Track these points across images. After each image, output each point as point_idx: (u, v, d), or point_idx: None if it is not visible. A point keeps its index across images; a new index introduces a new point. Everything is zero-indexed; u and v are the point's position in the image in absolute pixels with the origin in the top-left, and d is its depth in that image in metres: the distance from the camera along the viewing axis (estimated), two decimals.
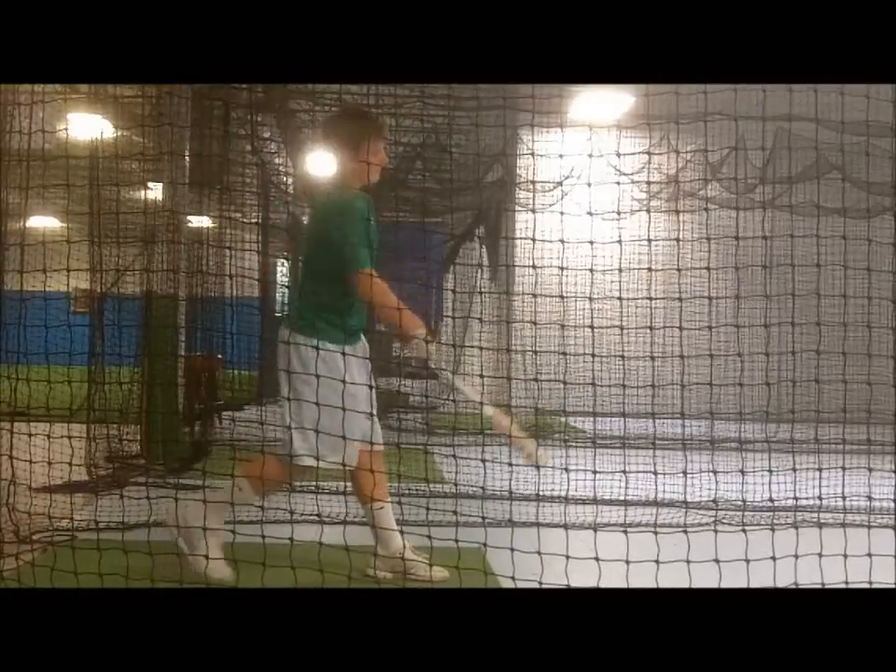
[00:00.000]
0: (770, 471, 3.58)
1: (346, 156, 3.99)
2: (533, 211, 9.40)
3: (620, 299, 3.84)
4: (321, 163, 4.21)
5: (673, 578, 3.11)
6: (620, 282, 3.75)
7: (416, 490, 4.85)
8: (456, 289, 12.67)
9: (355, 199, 3.95)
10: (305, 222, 8.19)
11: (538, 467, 3.78)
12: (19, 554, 4.01)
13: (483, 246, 12.33)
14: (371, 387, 4.03)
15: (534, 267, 4.14)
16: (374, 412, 4.09)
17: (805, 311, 4.16)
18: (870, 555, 3.15)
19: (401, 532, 4.10)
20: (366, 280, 3.83)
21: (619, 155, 4.93)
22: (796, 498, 4.56)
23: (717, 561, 3.14)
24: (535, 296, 4.21)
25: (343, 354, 3.79)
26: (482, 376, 3.97)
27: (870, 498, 3.79)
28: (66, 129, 5.12)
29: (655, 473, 3.56)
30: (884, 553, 3.18)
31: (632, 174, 9.35)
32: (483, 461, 3.57)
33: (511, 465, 3.50)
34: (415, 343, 3.90)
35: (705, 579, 3.12)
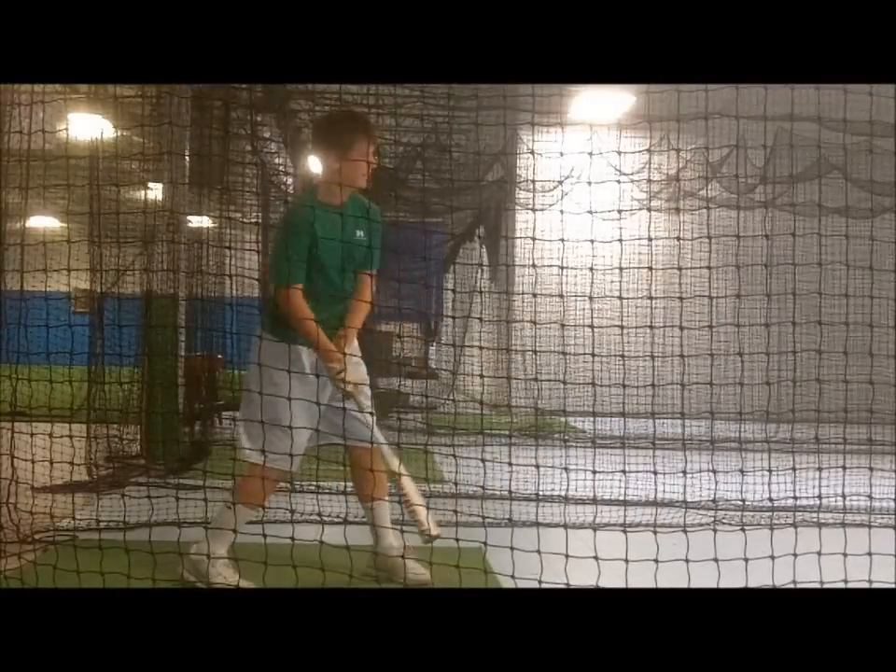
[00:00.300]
0: (770, 471, 3.58)
1: (333, 160, 3.92)
2: (533, 210, 9.39)
3: (620, 298, 3.84)
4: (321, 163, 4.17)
5: (672, 577, 3.11)
6: (620, 281, 3.74)
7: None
8: (456, 289, 12.67)
9: (301, 211, 3.92)
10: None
11: (429, 538, 3.74)
12: (21, 554, 4.02)
13: (483, 246, 12.33)
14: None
15: (534, 266, 4.14)
16: (373, 410, 4.09)
17: (805, 310, 4.14)
18: (870, 554, 3.14)
19: (402, 532, 4.10)
20: (285, 296, 3.82)
21: (619, 154, 4.92)
22: (796, 498, 4.56)
23: (716, 560, 3.14)
24: (535, 295, 4.21)
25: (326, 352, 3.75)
26: (482, 376, 3.97)
27: (870, 498, 3.79)
28: (66, 129, 5.12)
29: (655, 473, 3.56)
30: (884, 553, 3.18)
31: (632, 173, 9.34)
32: (483, 461, 3.57)
33: (510, 465, 3.50)
34: (333, 370, 3.83)
35: (704, 578, 3.12)
